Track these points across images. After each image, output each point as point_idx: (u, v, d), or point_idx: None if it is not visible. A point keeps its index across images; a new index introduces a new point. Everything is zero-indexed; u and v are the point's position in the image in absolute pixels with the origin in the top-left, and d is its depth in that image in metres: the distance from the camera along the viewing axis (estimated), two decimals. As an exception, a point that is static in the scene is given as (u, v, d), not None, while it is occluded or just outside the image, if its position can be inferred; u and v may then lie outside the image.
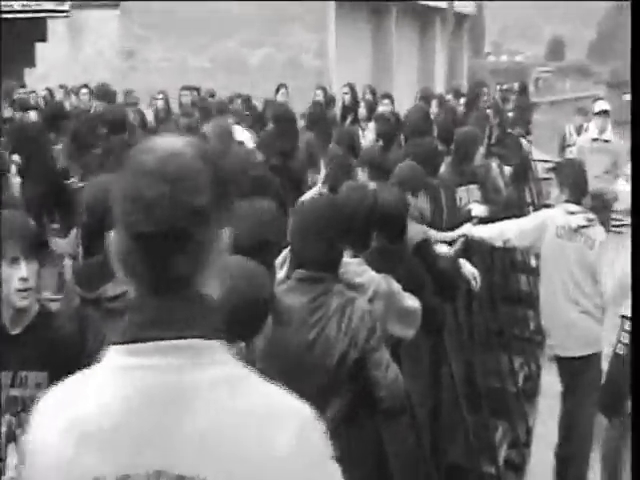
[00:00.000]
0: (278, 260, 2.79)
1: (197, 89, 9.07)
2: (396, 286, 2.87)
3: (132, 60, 14.22)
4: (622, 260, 3.40)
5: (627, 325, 3.11)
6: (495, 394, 4.66)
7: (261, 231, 2.50)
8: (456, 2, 19.05)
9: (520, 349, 5.44)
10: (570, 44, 50.54)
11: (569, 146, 7.88)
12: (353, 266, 2.84)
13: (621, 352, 3.14)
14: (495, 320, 5.17)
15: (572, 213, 4.28)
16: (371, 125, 6.01)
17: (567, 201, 4.34)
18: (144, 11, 14.08)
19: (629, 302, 3.11)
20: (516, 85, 14.03)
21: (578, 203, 4.35)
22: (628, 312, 3.12)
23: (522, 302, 5.51)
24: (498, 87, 12.67)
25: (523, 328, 5.56)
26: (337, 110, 8.42)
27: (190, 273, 1.12)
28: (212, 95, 9.18)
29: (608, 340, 3.34)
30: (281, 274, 2.80)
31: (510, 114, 9.36)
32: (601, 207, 6.75)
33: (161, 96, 8.64)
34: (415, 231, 3.30)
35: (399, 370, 2.60)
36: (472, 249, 4.55)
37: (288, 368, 2.38)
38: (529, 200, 7.38)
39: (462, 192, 4.99)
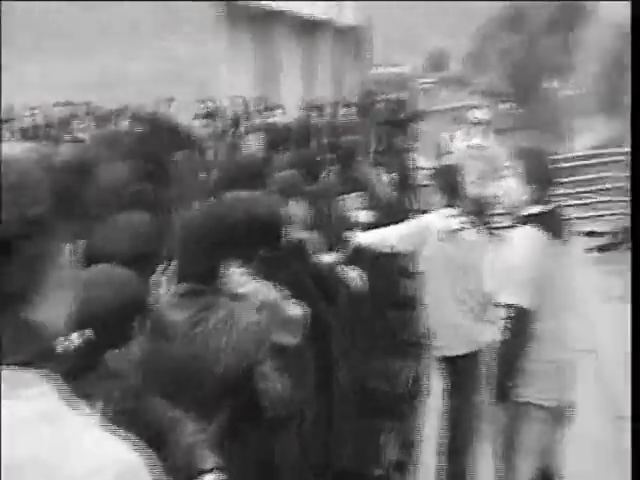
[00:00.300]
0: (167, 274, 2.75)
1: (75, 104, 8.83)
2: (279, 294, 2.88)
3: (7, 73, 13.69)
4: (501, 260, 3.54)
5: (510, 312, 3.25)
6: (385, 397, 4.74)
7: (137, 244, 2.45)
8: (340, 14, 19.37)
9: (408, 352, 5.56)
10: (452, 55, 52.37)
11: (447, 153, 8.18)
12: (236, 277, 2.82)
13: (505, 337, 3.27)
14: (384, 324, 5.26)
15: (451, 216, 4.43)
16: (252, 136, 6.03)
17: (446, 205, 4.49)
18: (19, 22, 13.60)
19: (509, 292, 3.27)
20: (400, 95, 14.42)
21: (456, 207, 4.51)
22: (507, 300, 3.27)
23: (408, 306, 5.64)
24: (384, 97, 12.99)
25: (411, 331, 5.68)
26: (221, 122, 8.39)
27: (25, 288, 1.05)
28: (91, 109, 8.96)
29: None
30: (164, 287, 2.75)
31: (394, 123, 9.61)
32: (478, 211, 7.04)
33: (30, 112, 8.36)
34: (296, 236, 3.33)
35: (285, 378, 2.60)
36: (358, 255, 4.62)
37: (172, 382, 2.35)
38: (412, 206, 7.58)
39: (347, 199, 5.07)
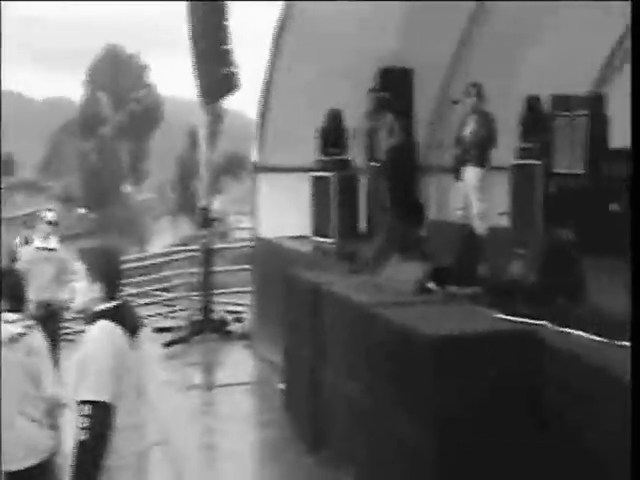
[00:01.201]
0: None
1: None
2: None
3: None
4: (78, 358, 3.46)
5: (84, 411, 3.19)
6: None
7: None
8: None
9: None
10: (21, 161, 50.92)
11: (16, 258, 7.88)
12: None
13: (82, 438, 3.17)
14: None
15: (13, 322, 4.29)
16: None
17: (8, 310, 4.34)
18: None
19: (87, 387, 3.19)
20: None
21: (19, 311, 4.38)
22: (85, 396, 3.20)
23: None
24: None
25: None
26: None
27: None
28: None
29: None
30: None
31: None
32: (46, 316, 6.90)
33: None
34: None
35: None
36: None
37: None
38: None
39: None
